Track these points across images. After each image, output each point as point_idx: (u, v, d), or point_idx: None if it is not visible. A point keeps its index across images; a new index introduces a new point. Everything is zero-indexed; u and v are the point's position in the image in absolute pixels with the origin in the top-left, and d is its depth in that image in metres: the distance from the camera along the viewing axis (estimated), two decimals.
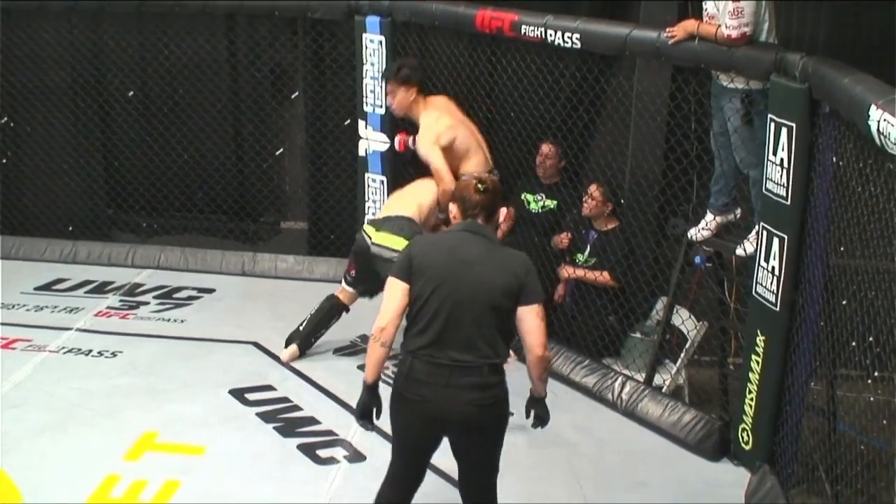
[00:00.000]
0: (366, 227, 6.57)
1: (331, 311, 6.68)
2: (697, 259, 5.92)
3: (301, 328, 6.67)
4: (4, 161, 8.61)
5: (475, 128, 6.87)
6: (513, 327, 4.05)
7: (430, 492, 5.19)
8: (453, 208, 4.17)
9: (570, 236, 6.71)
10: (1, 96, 8.43)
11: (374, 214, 6.94)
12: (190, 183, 8.42)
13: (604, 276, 6.46)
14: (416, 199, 6.57)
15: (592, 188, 6.52)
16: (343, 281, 6.68)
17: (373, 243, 6.37)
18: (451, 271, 3.97)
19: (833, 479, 4.76)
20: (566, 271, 6.60)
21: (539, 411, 4.31)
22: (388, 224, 6.40)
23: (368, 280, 6.52)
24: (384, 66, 7.34)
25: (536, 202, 6.92)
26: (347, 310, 6.71)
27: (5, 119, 8.50)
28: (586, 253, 6.59)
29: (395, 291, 4.05)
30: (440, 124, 6.64)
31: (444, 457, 5.44)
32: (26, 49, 8.29)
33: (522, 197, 6.97)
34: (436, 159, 6.55)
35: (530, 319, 4.02)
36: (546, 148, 6.80)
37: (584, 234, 6.63)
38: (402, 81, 6.74)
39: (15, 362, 6.44)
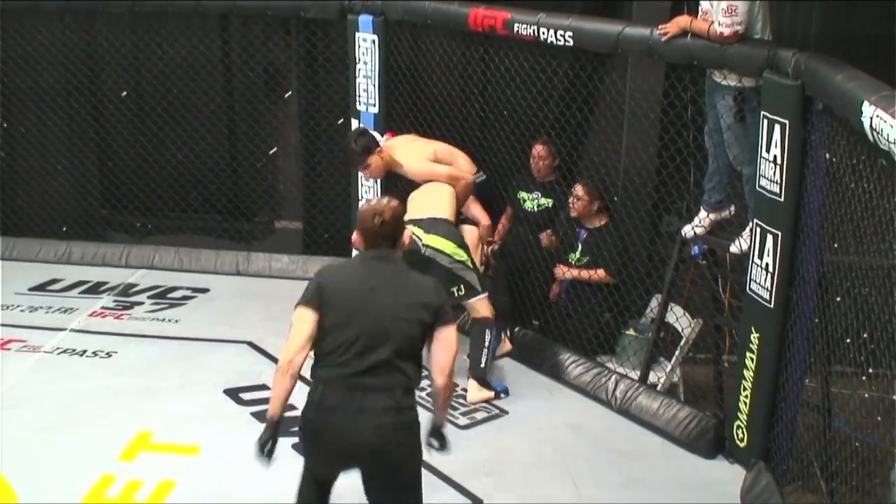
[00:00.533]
0: (412, 228, 6.25)
1: None
2: (696, 249, 5.90)
3: None
4: None
5: (445, 142, 6.94)
6: (422, 353, 4.01)
7: (427, 492, 5.20)
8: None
9: (551, 234, 6.71)
10: None
11: (408, 214, 6.68)
12: (184, 183, 8.41)
13: (599, 274, 6.46)
14: (446, 200, 6.49)
15: (577, 188, 6.52)
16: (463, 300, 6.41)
17: (424, 245, 6.25)
18: (363, 300, 3.90)
19: (828, 475, 4.77)
20: (561, 270, 6.61)
21: (437, 440, 4.13)
22: (435, 227, 6.29)
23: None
24: (377, 66, 7.34)
25: (532, 200, 6.92)
26: None
27: None
28: (578, 252, 6.59)
29: (305, 320, 3.96)
30: (415, 147, 6.76)
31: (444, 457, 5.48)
32: (19, 49, 8.28)
33: (518, 195, 6.97)
34: (439, 169, 6.57)
35: (437, 346, 3.98)
36: (539, 148, 6.79)
37: (575, 232, 6.62)
38: (368, 151, 6.67)
39: (10, 363, 6.44)
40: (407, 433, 3.95)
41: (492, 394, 6.22)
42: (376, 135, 7.10)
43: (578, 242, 6.60)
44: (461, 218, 6.62)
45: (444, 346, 3.98)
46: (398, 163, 6.69)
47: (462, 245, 6.31)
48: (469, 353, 6.26)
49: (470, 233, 6.56)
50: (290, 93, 8.21)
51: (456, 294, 6.26)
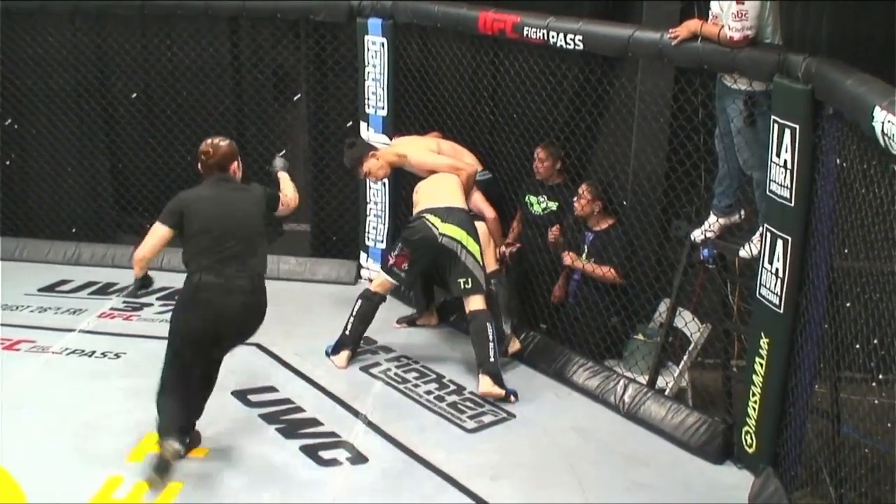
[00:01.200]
0: (428, 216, 6.40)
1: (372, 307, 6.62)
2: (706, 252, 5.89)
3: (348, 332, 6.60)
4: (8, 163, 8.62)
5: (450, 140, 7.06)
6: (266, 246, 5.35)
7: (433, 494, 5.21)
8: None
9: (558, 231, 6.71)
10: (4, 98, 8.45)
11: (421, 203, 6.67)
12: (193, 184, 8.37)
13: (608, 272, 6.44)
14: (457, 190, 6.58)
15: (582, 188, 6.53)
16: (387, 273, 6.58)
17: (440, 233, 6.33)
18: (219, 208, 5.22)
19: (837, 482, 4.75)
20: (570, 258, 6.57)
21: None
22: (452, 216, 6.37)
23: (417, 270, 6.58)
24: (386, 69, 7.36)
25: (539, 204, 6.92)
26: (385, 299, 6.69)
27: (9, 121, 8.51)
28: (584, 254, 6.59)
29: (158, 234, 5.30)
30: (418, 142, 6.89)
31: (446, 453, 5.48)
32: (30, 51, 8.31)
33: (527, 199, 6.97)
34: (441, 160, 6.70)
35: (286, 188, 5.67)
36: (540, 152, 6.82)
37: (582, 235, 6.62)
38: (361, 156, 6.83)
39: (19, 363, 6.45)
40: (257, 309, 5.28)
41: (503, 392, 6.17)
42: (370, 138, 7.28)
43: (585, 245, 6.59)
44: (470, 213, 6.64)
45: (287, 188, 5.68)
46: (402, 155, 6.78)
47: (476, 238, 6.37)
48: (475, 350, 6.27)
49: (479, 229, 6.58)
50: (299, 95, 8.23)
51: (462, 286, 6.33)
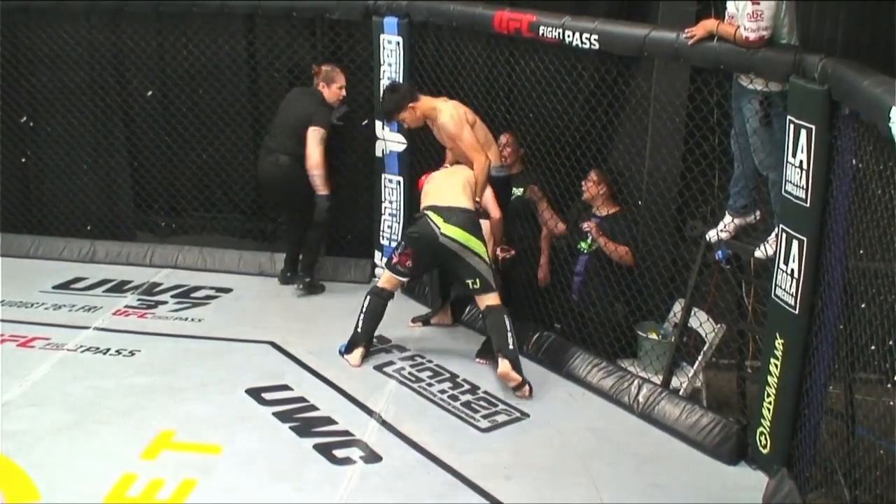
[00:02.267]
0: (431, 214, 6.41)
1: (381, 303, 6.63)
2: (720, 253, 5.88)
3: (360, 330, 6.60)
4: (24, 160, 8.65)
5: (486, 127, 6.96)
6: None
7: (447, 494, 5.21)
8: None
9: (537, 189, 6.85)
10: (21, 96, 8.48)
11: (428, 198, 6.69)
12: (208, 182, 8.45)
13: (620, 250, 6.43)
14: (465, 188, 6.52)
15: (591, 173, 6.54)
16: (391, 271, 6.57)
17: (441, 234, 6.34)
18: (283, 108, 7.64)
19: (851, 483, 4.73)
20: (589, 225, 6.53)
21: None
22: (454, 217, 6.36)
23: (421, 267, 6.60)
24: (402, 67, 7.37)
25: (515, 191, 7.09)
26: (392, 296, 6.70)
27: (25, 118, 8.54)
28: (589, 240, 6.59)
29: None
30: (459, 108, 6.72)
31: (459, 452, 5.48)
32: (45, 48, 8.34)
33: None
34: (468, 136, 6.58)
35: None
36: (503, 137, 6.94)
37: (586, 220, 6.63)
38: (400, 105, 6.74)
39: (33, 361, 6.47)
40: (284, 177, 7.54)
41: (520, 378, 6.20)
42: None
43: (590, 230, 6.60)
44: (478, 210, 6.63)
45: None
46: (437, 110, 6.68)
47: (480, 238, 6.37)
48: (494, 343, 6.33)
49: (483, 227, 6.59)
50: None
51: (471, 286, 6.37)
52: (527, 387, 6.20)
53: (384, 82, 7.49)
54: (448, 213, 6.37)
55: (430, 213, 6.42)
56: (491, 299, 6.38)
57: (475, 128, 6.68)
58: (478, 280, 6.34)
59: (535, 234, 7.06)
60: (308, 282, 7.74)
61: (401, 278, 6.59)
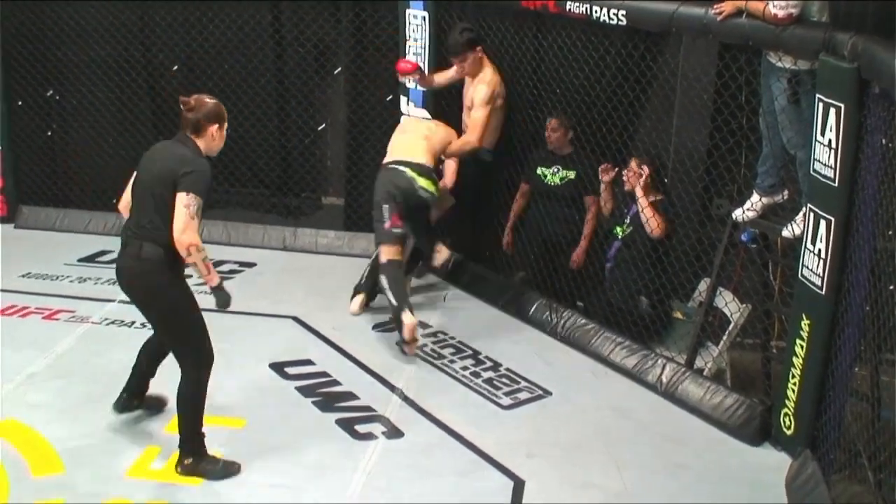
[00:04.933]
0: (404, 169, 6.59)
1: (401, 271, 6.78)
2: (745, 235, 5.83)
3: (395, 303, 6.52)
4: (50, 134, 8.69)
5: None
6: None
7: (468, 471, 5.20)
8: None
9: (612, 167, 6.66)
10: (47, 70, 8.51)
11: (396, 152, 6.88)
12: (233, 157, 8.44)
13: (658, 218, 6.33)
14: (427, 150, 6.73)
15: (632, 161, 6.48)
16: (392, 237, 6.60)
17: (419, 186, 6.56)
18: (144, 169, 4.89)
19: (876, 466, 4.70)
20: (639, 192, 6.41)
21: (218, 301, 5.02)
22: (425, 172, 6.61)
23: (408, 222, 6.70)
24: (427, 43, 7.33)
25: (553, 175, 6.94)
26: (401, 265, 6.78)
27: (51, 92, 8.57)
28: (625, 225, 6.55)
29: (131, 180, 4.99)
30: (500, 87, 6.91)
31: (481, 429, 5.47)
32: (71, 22, 8.36)
33: (537, 172, 7.02)
34: (481, 116, 6.77)
35: (176, 204, 4.68)
36: (551, 122, 6.90)
37: (627, 207, 6.57)
38: (475, 45, 6.91)
39: (58, 333, 6.51)
40: (141, 278, 4.86)
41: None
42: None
43: (628, 216, 6.55)
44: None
45: (180, 206, 4.68)
46: (482, 75, 6.92)
47: (437, 183, 6.73)
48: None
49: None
50: (339, 69, 8.20)
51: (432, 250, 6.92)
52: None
53: (410, 58, 7.45)
54: (420, 169, 6.61)
55: (401, 167, 6.61)
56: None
57: (497, 110, 6.87)
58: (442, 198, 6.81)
59: (577, 217, 6.96)
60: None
61: (402, 240, 6.70)
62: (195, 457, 5.01)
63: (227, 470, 5.04)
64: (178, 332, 5.03)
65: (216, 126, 4.87)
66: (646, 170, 6.39)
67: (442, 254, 7.13)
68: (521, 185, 7.19)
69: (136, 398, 5.49)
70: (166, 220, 4.72)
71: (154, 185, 4.76)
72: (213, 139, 4.87)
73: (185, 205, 4.68)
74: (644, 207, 6.36)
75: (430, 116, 7.37)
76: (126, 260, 4.87)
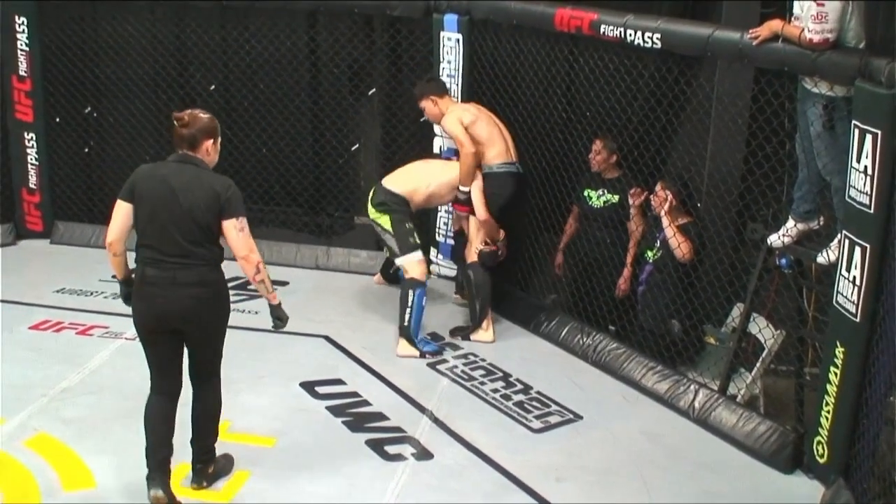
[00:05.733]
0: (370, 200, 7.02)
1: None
2: (784, 262, 5.79)
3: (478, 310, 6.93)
4: (87, 150, 8.77)
5: (502, 125, 7.15)
6: (218, 237, 4.81)
7: (498, 494, 5.18)
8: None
9: (643, 192, 6.64)
10: (86, 87, 8.60)
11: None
12: (267, 176, 8.50)
13: (685, 243, 6.29)
14: (422, 179, 7.02)
15: (658, 185, 6.45)
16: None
17: (370, 218, 7.00)
18: (164, 197, 4.70)
19: None
20: (664, 217, 6.37)
21: (274, 314, 5.15)
22: (374, 198, 6.96)
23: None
24: (461, 65, 7.37)
25: (598, 198, 6.91)
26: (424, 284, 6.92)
27: (89, 109, 8.66)
28: (656, 249, 6.52)
29: (121, 211, 4.83)
30: (461, 110, 7.11)
31: (511, 452, 5.45)
32: (110, 41, 8.46)
33: (585, 193, 6.98)
34: (457, 131, 6.93)
35: (229, 231, 4.77)
36: (595, 144, 6.86)
37: (658, 231, 6.54)
38: (424, 93, 7.16)
39: (91, 348, 6.56)
40: (210, 301, 4.85)
41: (416, 353, 6.67)
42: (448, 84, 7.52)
43: (658, 241, 6.52)
44: (461, 198, 7.01)
45: (234, 230, 4.77)
46: (446, 114, 7.10)
47: (384, 210, 6.88)
48: (399, 310, 6.76)
49: (472, 223, 7.10)
50: (373, 90, 8.24)
51: (387, 253, 7.15)
52: (427, 356, 6.66)
53: (444, 79, 7.48)
54: (374, 196, 6.98)
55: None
56: (408, 267, 6.83)
57: (476, 125, 6.98)
58: (390, 250, 6.96)
59: (619, 241, 6.90)
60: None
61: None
62: (214, 463, 5.17)
63: (228, 460, 5.27)
64: (219, 349, 5.11)
65: (211, 141, 4.85)
66: (670, 195, 6.37)
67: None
68: (574, 208, 7.16)
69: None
70: (215, 244, 4.80)
71: (196, 213, 4.68)
72: (207, 154, 4.85)
73: (240, 228, 4.78)
74: (670, 232, 6.34)
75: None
76: (185, 290, 4.73)
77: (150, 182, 4.78)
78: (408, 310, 6.70)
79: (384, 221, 6.86)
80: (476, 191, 6.97)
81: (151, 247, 4.74)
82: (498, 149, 7.02)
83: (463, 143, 6.87)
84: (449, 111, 7.09)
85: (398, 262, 6.88)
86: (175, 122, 4.80)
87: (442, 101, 7.16)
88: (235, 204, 4.76)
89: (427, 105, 7.16)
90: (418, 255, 6.85)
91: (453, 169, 7.04)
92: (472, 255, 7.03)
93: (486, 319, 6.98)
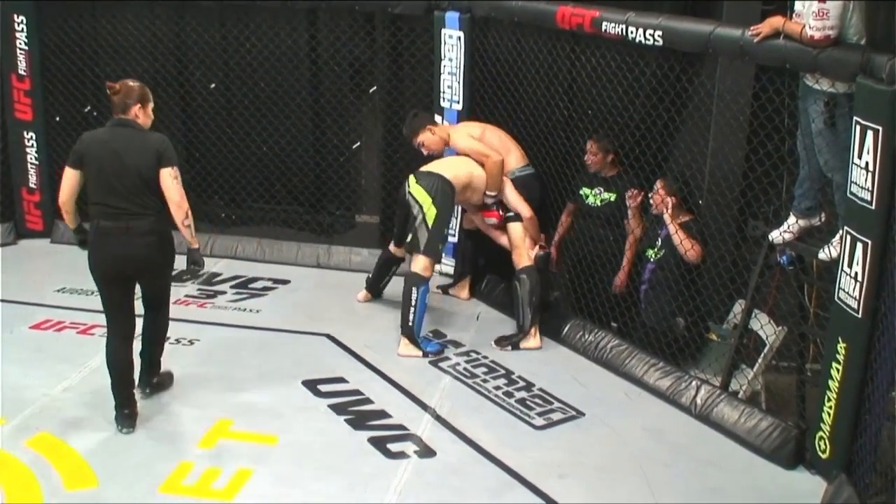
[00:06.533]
0: (411, 176, 6.86)
1: (388, 262, 7.25)
2: (784, 259, 5.80)
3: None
4: None
5: (504, 132, 7.22)
6: (158, 188, 5.40)
7: (500, 491, 5.19)
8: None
9: (640, 193, 6.63)
10: (85, 86, 8.59)
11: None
12: (268, 174, 8.50)
13: (695, 249, 6.30)
14: (461, 167, 6.91)
15: (657, 184, 6.45)
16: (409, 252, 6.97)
17: (408, 191, 6.79)
18: (109, 158, 5.35)
19: None
20: (669, 218, 6.38)
21: (191, 259, 5.66)
22: (425, 179, 6.77)
23: (397, 226, 7.09)
24: (462, 62, 7.37)
25: (595, 196, 6.92)
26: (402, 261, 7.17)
27: (89, 108, 8.66)
28: (657, 248, 6.52)
29: (69, 176, 5.48)
30: (465, 127, 7.21)
31: (514, 450, 5.46)
32: (109, 39, 8.45)
33: (581, 192, 7.00)
34: (475, 144, 6.97)
35: (165, 178, 5.39)
36: (589, 145, 6.87)
37: (657, 230, 6.54)
38: (418, 128, 7.16)
39: (93, 348, 6.54)
40: (160, 246, 5.47)
41: (419, 353, 6.63)
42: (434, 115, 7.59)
43: (659, 239, 6.52)
44: (508, 215, 6.99)
45: (170, 178, 5.40)
46: (450, 138, 7.13)
47: (437, 204, 6.70)
48: (402, 308, 6.74)
49: (515, 228, 6.96)
50: (374, 88, 8.24)
51: (404, 241, 6.92)
52: (429, 354, 6.65)
53: (444, 77, 7.49)
54: (422, 176, 6.81)
55: (411, 175, 6.87)
56: (418, 262, 6.73)
57: (485, 137, 7.04)
58: (412, 237, 6.75)
59: (618, 238, 6.91)
60: (157, 382, 6.01)
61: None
62: (158, 375, 5.98)
63: (169, 377, 6.10)
64: (168, 284, 5.79)
65: (139, 105, 5.47)
66: (674, 200, 6.36)
67: (460, 291, 7.47)
68: (568, 204, 7.17)
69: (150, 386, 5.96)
70: (157, 195, 5.40)
71: (141, 169, 5.34)
72: (137, 117, 5.47)
73: (174, 176, 5.43)
74: (675, 232, 6.33)
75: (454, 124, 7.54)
76: (137, 238, 5.38)
77: (94, 147, 5.42)
78: (411, 308, 6.64)
79: (430, 214, 6.69)
80: (511, 192, 6.97)
81: (104, 203, 5.37)
82: (514, 154, 7.09)
83: (488, 154, 6.88)
84: (452, 133, 7.13)
85: (415, 255, 6.76)
86: (108, 91, 5.49)
87: (438, 128, 7.20)
88: (170, 155, 5.42)
89: (426, 137, 7.12)
90: (436, 260, 6.87)
91: (465, 160, 7.02)
92: (521, 262, 6.89)
93: (535, 327, 6.89)
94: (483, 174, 6.90)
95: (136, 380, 5.70)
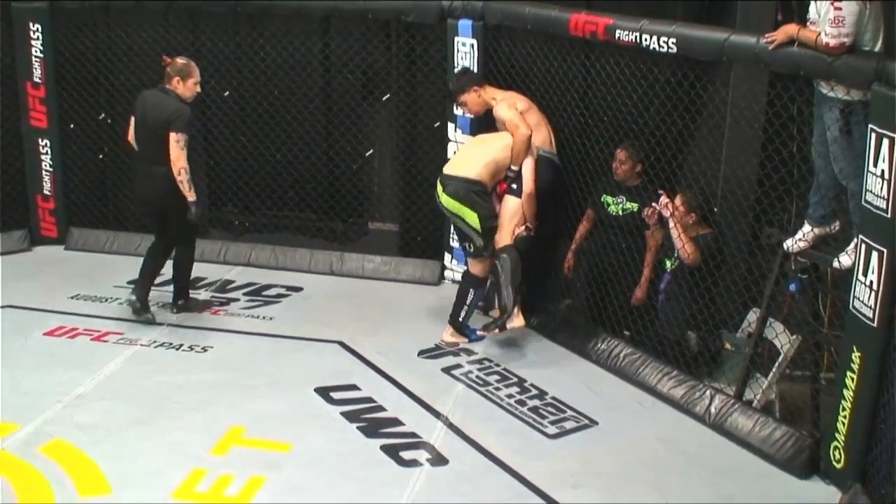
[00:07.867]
0: (439, 183, 6.92)
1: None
2: (792, 286, 5.78)
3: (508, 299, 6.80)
4: (102, 157, 8.80)
5: (545, 120, 7.11)
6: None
7: (514, 501, 5.17)
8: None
9: (655, 210, 6.55)
10: (100, 94, 8.62)
11: (448, 164, 7.17)
12: (282, 182, 8.50)
13: (690, 247, 6.25)
14: (480, 157, 6.88)
15: (677, 198, 6.40)
16: (469, 255, 7.00)
17: (440, 203, 6.89)
18: (141, 115, 6.88)
19: None
20: (671, 221, 6.33)
21: (189, 210, 6.85)
22: (451, 186, 6.81)
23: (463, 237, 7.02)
24: (476, 70, 7.36)
25: (616, 205, 6.87)
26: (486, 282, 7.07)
27: (103, 115, 8.68)
28: (674, 257, 6.49)
29: (131, 122, 7.06)
30: (514, 97, 7.08)
31: (526, 458, 5.44)
32: (124, 47, 8.47)
33: (602, 199, 6.93)
34: (511, 115, 6.91)
35: (169, 140, 6.67)
36: (620, 153, 6.80)
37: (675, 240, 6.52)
38: (465, 86, 7.11)
39: (107, 355, 6.57)
40: (169, 188, 6.74)
41: (465, 339, 6.94)
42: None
43: (676, 250, 6.49)
44: (511, 187, 6.91)
45: (171, 142, 6.68)
46: (495, 100, 7.12)
47: (471, 205, 6.78)
48: (454, 302, 6.96)
49: (510, 202, 6.90)
50: (388, 95, 8.24)
51: (468, 248, 6.95)
52: (471, 338, 6.95)
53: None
54: (447, 182, 6.84)
55: (439, 180, 6.91)
56: (475, 263, 6.93)
57: (528, 113, 6.98)
58: (470, 245, 6.88)
59: (637, 249, 6.85)
60: (182, 304, 7.35)
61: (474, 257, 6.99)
62: (187, 298, 7.31)
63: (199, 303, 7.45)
64: (184, 223, 6.90)
65: (178, 79, 6.79)
66: (693, 217, 6.33)
67: (517, 322, 7.01)
68: (587, 210, 7.12)
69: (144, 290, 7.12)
70: (165, 152, 6.65)
71: (155, 128, 6.70)
72: (176, 87, 6.79)
73: (176, 140, 6.66)
74: (679, 243, 6.31)
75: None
76: (156, 180, 6.78)
77: (140, 102, 6.93)
78: (465, 307, 6.92)
79: (472, 219, 6.75)
80: (528, 165, 6.91)
81: (139, 150, 6.97)
82: (543, 136, 7.00)
83: (518, 125, 6.83)
84: (500, 98, 7.07)
85: (477, 256, 6.87)
86: (163, 64, 6.89)
87: (485, 90, 7.14)
88: (178, 123, 6.66)
89: (470, 98, 7.10)
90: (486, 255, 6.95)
91: (506, 136, 6.93)
92: (503, 240, 6.86)
93: (517, 306, 6.85)
94: (506, 155, 6.86)
95: (149, 290, 7.12)
